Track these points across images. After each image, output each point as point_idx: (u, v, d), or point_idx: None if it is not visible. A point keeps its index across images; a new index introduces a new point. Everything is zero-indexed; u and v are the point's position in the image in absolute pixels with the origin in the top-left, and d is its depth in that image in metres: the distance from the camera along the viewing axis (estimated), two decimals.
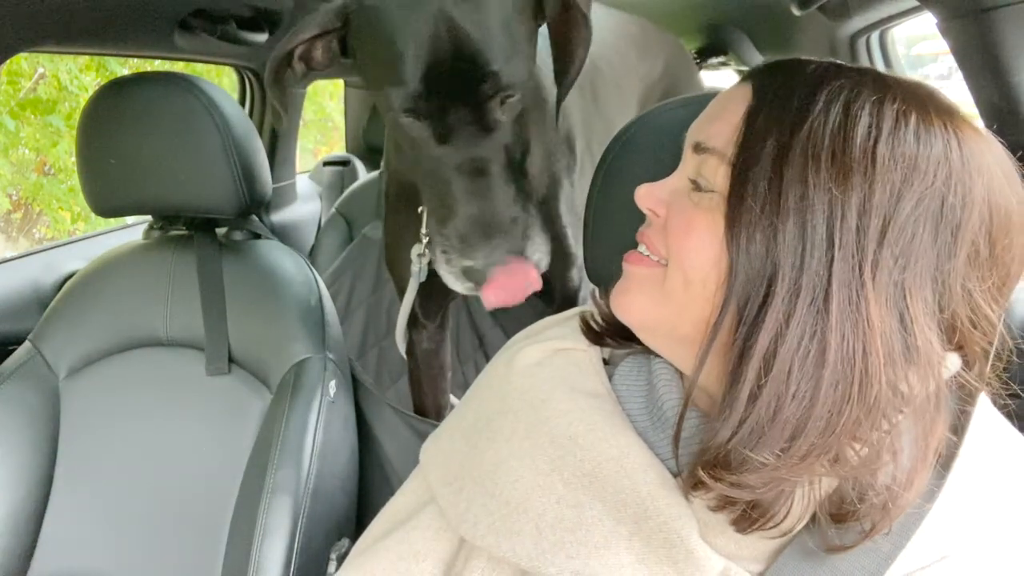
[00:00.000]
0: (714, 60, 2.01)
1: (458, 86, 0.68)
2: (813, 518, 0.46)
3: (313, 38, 0.76)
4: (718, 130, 0.50)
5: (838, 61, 0.50)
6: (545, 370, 0.59)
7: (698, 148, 0.51)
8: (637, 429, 0.54)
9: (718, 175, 0.49)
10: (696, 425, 0.51)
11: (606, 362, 0.61)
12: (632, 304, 0.54)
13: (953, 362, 0.48)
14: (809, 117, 0.45)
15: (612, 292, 0.56)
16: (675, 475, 0.50)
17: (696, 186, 0.50)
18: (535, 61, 0.79)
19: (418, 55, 0.67)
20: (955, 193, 0.44)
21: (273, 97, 0.81)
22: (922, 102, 0.46)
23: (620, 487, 0.50)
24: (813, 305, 0.43)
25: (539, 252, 0.75)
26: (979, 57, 0.80)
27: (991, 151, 0.47)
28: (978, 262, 0.46)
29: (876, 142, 0.44)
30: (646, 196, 0.54)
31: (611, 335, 0.61)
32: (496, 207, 0.71)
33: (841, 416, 0.43)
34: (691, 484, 0.47)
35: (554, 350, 0.61)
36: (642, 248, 0.55)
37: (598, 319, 0.62)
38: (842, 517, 0.45)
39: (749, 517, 0.46)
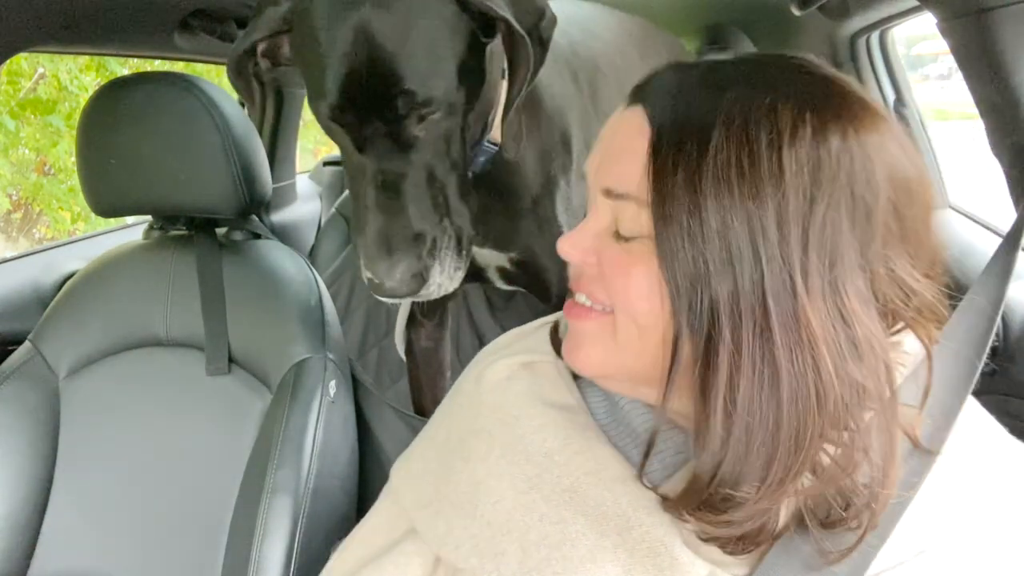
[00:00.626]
0: None
1: (373, 101, 0.69)
2: (800, 520, 0.46)
3: (270, 37, 0.77)
4: (626, 172, 0.48)
5: (718, 58, 0.50)
6: (515, 385, 0.59)
7: (609, 194, 0.50)
8: (611, 440, 0.54)
9: (640, 220, 0.47)
10: (678, 440, 0.52)
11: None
12: (589, 358, 0.53)
13: (911, 345, 0.49)
14: (712, 140, 0.44)
15: (564, 348, 0.55)
16: (660, 482, 0.50)
17: (619, 230, 0.50)
18: (483, 78, 0.79)
19: (338, 67, 0.68)
20: (861, 182, 0.44)
21: (237, 90, 0.83)
22: (812, 97, 0.46)
23: (601, 500, 0.50)
24: (756, 327, 0.43)
25: (440, 277, 0.74)
26: (979, 57, 0.80)
27: (884, 127, 0.47)
28: (893, 239, 0.46)
29: (780, 150, 0.44)
30: (572, 250, 0.53)
31: None
32: (400, 225, 0.71)
33: (807, 430, 0.43)
34: (678, 517, 0.48)
35: (522, 364, 0.60)
36: (581, 298, 0.53)
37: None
38: (832, 524, 0.45)
39: (739, 544, 0.46)
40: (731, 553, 0.46)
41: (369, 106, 0.69)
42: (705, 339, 0.44)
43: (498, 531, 0.52)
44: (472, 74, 0.76)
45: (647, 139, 0.47)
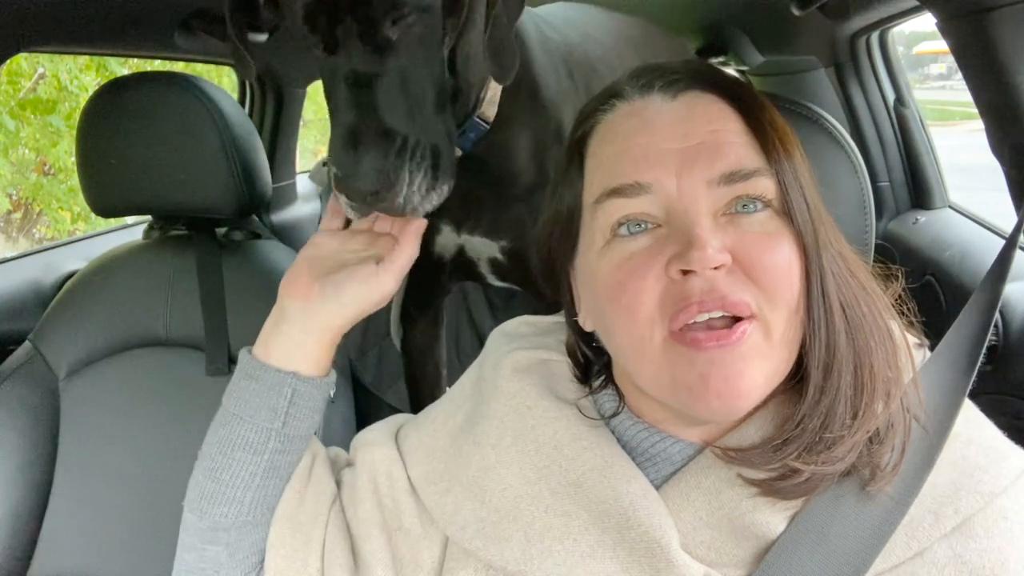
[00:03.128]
0: (714, 60, 2.01)
1: (346, 2, 0.69)
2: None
3: None
4: (743, 152, 0.49)
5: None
6: (532, 376, 0.59)
7: (732, 178, 0.47)
8: (619, 441, 0.54)
9: (767, 192, 0.49)
10: (675, 450, 0.52)
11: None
12: (755, 379, 0.46)
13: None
14: (776, 116, 0.51)
15: (709, 391, 0.45)
16: (656, 487, 0.51)
17: (739, 210, 0.48)
18: None
19: None
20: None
21: (235, 48, 0.81)
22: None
23: (604, 497, 0.50)
24: (840, 275, 0.49)
25: (410, 189, 0.69)
26: (979, 57, 0.80)
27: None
28: None
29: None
30: (717, 253, 0.45)
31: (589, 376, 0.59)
32: (369, 120, 0.69)
33: (873, 356, 0.48)
34: (777, 477, 0.47)
35: (540, 359, 0.61)
36: (712, 315, 0.45)
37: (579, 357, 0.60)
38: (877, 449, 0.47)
39: (803, 487, 0.47)
40: (790, 497, 0.47)
41: (341, 6, 0.69)
42: (823, 297, 0.48)
43: (504, 517, 0.53)
44: None
45: (736, 118, 0.50)
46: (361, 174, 0.66)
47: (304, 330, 0.62)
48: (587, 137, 0.54)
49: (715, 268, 0.45)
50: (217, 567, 0.60)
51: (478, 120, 0.90)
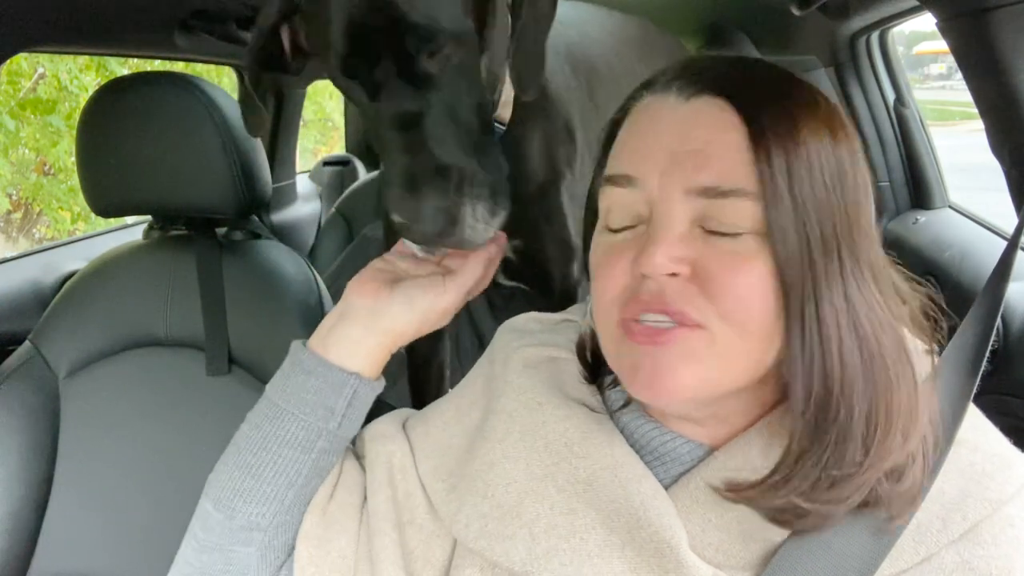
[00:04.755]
0: None
1: (380, 42, 0.67)
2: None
3: (283, 22, 0.76)
4: (727, 167, 0.46)
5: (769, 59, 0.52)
6: (542, 373, 0.59)
7: (708, 192, 0.46)
8: (629, 441, 0.54)
9: (745, 214, 0.46)
10: (685, 451, 0.52)
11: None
12: (683, 379, 0.46)
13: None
14: (800, 130, 0.46)
15: (636, 381, 0.48)
16: (665, 487, 0.51)
17: (713, 228, 0.46)
18: (493, 18, 0.76)
19: (341, 16, 0.67)
20: (863, 188, 0.49)
21: (252, 93, 0.80)
22: (818, 105, 0.49)
23: (614, 496, 0.50)
24: (847, 309, 0.46)
25: (472, 219, 0.67)
26: (979, 57, 0.80)
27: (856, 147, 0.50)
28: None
29: (842, 143, 0.48)
30: (667, 260, 0.46)
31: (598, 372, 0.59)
32: (423, 160, 0.67)
33: (892, 393, 0.45)
34: (784, 518, 0.47)
35: (550, 357, 0.61)
36: (656, 318, 0.47)
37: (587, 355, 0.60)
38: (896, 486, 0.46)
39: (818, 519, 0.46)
40: (804, 527, 0.47)
41: (377, 49, 0.68)
42: (815, 329, 0.45)
43: (507, 513, 0.52)
44: (480, 5, 0.74)
45: (740, 131, 0.46)
46: (424, 218, 0.64)
47: (368, 329, 0.60)
48: (619, 122, 0.55)
49: (670, 275, 0.46)
50: (244, 570, 0.58)
51: (495, 123, 0.90)
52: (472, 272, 0.64)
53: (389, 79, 0.68)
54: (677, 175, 0.47)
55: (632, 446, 0.53)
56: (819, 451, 0.45)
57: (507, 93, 0.89)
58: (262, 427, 0.59)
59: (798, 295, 0.45)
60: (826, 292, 0.45)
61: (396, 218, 0.66)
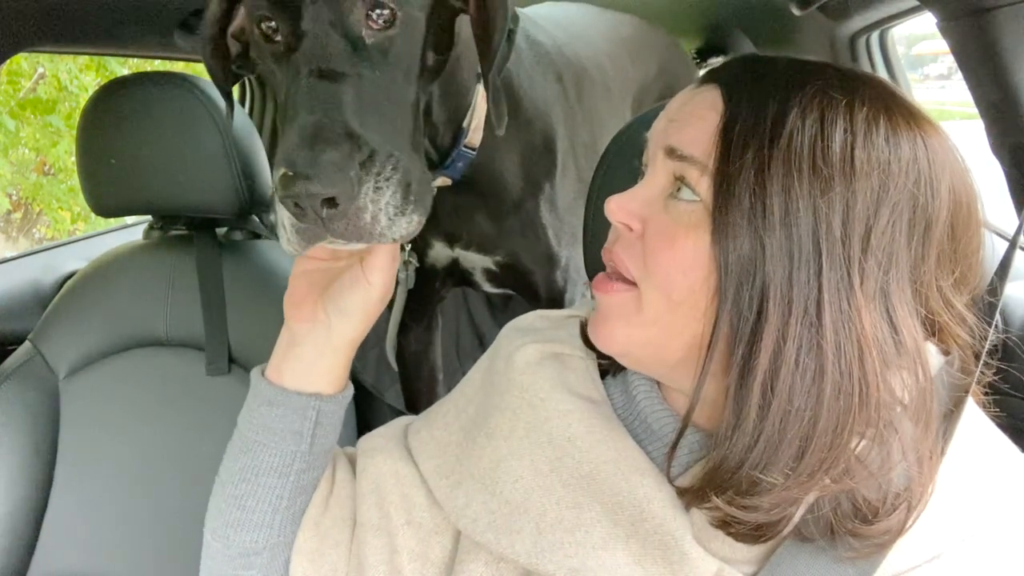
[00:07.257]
0: (714, 60, 2.01)
1: None
2: (815, 516, 0.46)
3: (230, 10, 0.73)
4: (693, 137, 0.48)
5: (798, 58, 0.50)
6: (545, 369, 0.59)
7: (673, 154, 0.49)
8: (632, 435, 0.54)
9: (700, 186, 0.47)
10: (693, 440, 0.52)
11: (604, 370, 0.61)
12: (613, 333, 0.51)
13: (932, 354, 0.49)
14: (786, 127, 0.45)
15: (589, 323, 0.54)
16: (671, 481, 0.51)
17: (675, 194, 0.49)
18: (452, 39, 0.73)
19: None
20: (925, 194, 0.45)
21: (210, 71, 0.78)
22: (886, 103, 0.46)
23: (617, 489, 0.50)
24: (807, 318, 0.44)
25: (375, 207, 0.57)
26: (979, 57, 0.80)
27: (951, 146, 0.48)
28: (944, 257, 0.47)
29: (853, 148, 0.44)
30: (618, 209, 0.51)
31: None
32: (333, 118, 0.57)
33: (845, 426, 0.43)
34: (697, 503, 0.47)
35: (553, 353, 0.61)
36: (609, 267, 0.52)
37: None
38: (858, 523, 0.45)
39: (752, 533, 0.46)
40: (744, 541, 0.46)
41: None
42: (753, 321, 0.44)
43: (515, 509, 0.53)
44: (440, 6, 0.70)
45: (719, 114, 0.48)
46: (317, 171, 0.54)
47: (319, 351, 0.61)
48: None
49: (627, 228, 0.51)
50: None
51: (465, 149, 0.89)
52: (383, 248, 0.60)
53: (318, 25, 0.61)
54: (660, 137, 0.52)
55: (651, 435, 0.54)
56: (746, 447, 0.45)
57: (476, 119, 0.88)
58: (239, 459, 0.61)
59: (734, 277, 0.45)
60: (774, 282, 0.44)
61: (282, 171, 0.55)
